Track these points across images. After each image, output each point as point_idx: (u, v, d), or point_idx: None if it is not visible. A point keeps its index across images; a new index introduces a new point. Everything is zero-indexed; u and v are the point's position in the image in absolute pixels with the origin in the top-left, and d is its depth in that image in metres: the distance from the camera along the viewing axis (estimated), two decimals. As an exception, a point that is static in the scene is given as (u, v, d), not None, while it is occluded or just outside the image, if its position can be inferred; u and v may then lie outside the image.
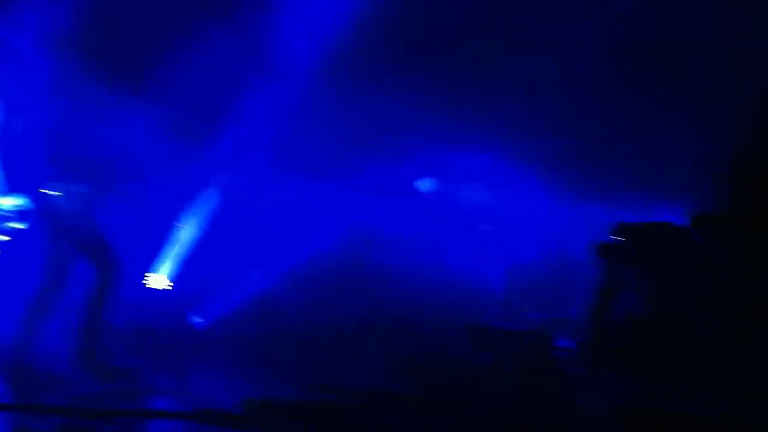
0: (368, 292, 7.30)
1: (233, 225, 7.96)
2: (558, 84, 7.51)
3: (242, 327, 7.05)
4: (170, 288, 7.74)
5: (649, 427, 2.18)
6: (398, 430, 4.04)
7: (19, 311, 5.34)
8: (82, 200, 5.40)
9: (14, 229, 6.94)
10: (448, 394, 4.44)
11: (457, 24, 7.74)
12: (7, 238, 6.91)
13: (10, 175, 5.36)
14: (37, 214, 5.39)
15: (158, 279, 7.88)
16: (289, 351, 6.02)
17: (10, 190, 5.43)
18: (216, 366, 6.65)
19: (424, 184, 7.61)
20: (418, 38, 7.78)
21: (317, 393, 4.70)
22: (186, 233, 8.10)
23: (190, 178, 8.14)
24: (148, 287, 7.85)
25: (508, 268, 7.57)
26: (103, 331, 5.35)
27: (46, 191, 5.35)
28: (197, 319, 7.55)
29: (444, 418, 4.14)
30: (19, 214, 6.98)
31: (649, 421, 2.21)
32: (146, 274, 7.90)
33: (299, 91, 7.34)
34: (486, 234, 7.32)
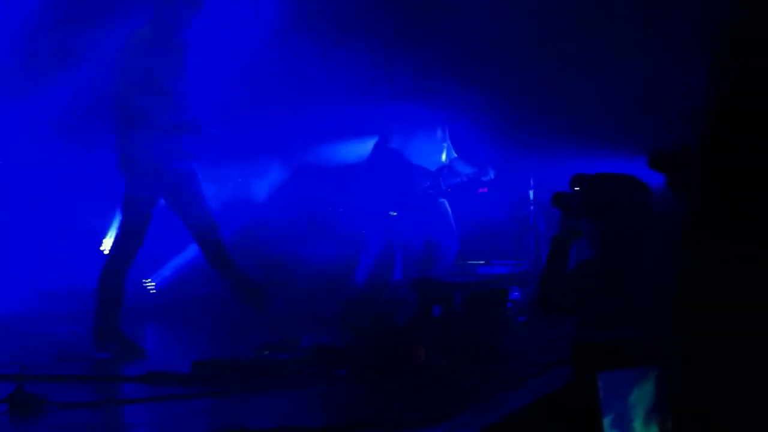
0: (316, 246, 7.34)
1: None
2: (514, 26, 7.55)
3: (196, 288, 7.08)
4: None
5: (588, 355, 2.23)
6: (347, 382, 4.15)
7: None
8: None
9: None
10: (393, 345, 4.52)
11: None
12: None
13: None
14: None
15: (110, 242, 7.86)
16: (238, 311, 6.05)
17: None
18: (169, 328, 6.70)
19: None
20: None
21: (266, 352, 4.76)
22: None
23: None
24: (102, 250, 7.83)
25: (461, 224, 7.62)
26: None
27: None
28: (151, 282, 7.56)
29: (390, 369, 4.24)
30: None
31: (587, 350, 2.26)
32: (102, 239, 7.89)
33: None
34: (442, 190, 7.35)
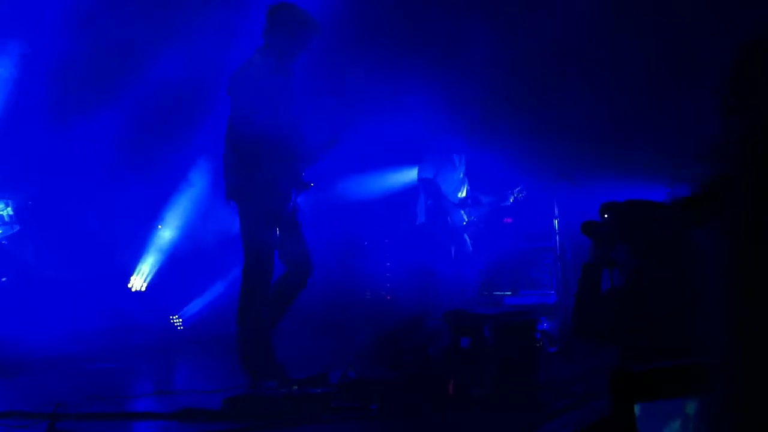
0: (346, 280, 7.31)
1: (213, 220, 7.99)
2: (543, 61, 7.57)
3: (224, 324, 7.07)
4: (151, 288, 7.76)
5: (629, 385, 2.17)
6: (380, 417, 4.11)
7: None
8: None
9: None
10: (424, 378, 4.48)
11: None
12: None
13: None
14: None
15: (140, 280, 7.91)
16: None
17: None
18: (198, 364, 6.69)
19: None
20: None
21: (296, 387, 4.74)
22: (166, 233, 8.12)
23: (170, 174, 8.16)
24: (129, 287, 7.88)
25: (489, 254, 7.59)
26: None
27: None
28: (179, 318, 7.58)
29: (422, 401, 4.19)
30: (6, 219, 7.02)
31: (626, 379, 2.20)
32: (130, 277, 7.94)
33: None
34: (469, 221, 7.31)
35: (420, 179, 7.11)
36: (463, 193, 7.27)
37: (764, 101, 0.65)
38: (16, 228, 7.16)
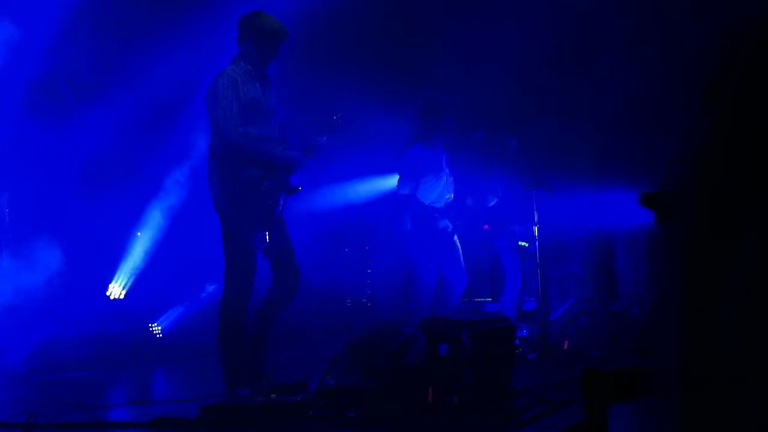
0: (327, 287, 7.28)
1: (192, 227, 7.95)
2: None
3: (203, 332, 7.04)
4: (129, 296, 7.70)
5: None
6: (358, 425, 4.09)
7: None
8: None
9: None
10: (402, 385, 4.47)
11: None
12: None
13: None
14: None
15: (118, 287, 7.85)
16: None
17: None
18: (175, 373, 6.64)
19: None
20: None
21: (274, 395, 4.71)
22: (145, 240, 8.07)
23: (149, 181, 8.11)
24: (108, 296, 7.82)
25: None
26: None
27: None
28: (157, 326, 7.52)
29: (400, 409, 4.18)
30: None
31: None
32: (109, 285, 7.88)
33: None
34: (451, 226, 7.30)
35: (399, 195, 7.03)
36: (450, 196, 7.19)
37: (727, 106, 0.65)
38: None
